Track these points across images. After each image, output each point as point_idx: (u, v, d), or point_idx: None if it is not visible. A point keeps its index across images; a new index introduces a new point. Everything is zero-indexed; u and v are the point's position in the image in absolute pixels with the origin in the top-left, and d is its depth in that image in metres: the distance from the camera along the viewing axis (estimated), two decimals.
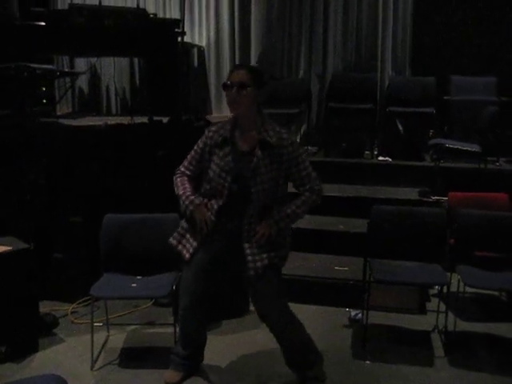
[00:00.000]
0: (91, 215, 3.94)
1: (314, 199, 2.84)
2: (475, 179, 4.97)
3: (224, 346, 3.51)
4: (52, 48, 5.45)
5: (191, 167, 2.94)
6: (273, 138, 2.74)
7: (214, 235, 2.85)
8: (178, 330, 3.18)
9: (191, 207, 2.84)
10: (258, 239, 2.77)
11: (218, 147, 2.81)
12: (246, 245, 2.80)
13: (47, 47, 5.17)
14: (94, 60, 6.72)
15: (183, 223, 2.97)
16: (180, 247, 2.94)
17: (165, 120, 4.95)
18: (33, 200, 4.13)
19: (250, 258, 2.78)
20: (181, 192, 2.89)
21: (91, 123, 4.76)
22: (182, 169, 2.96)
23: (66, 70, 6.59)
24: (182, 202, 2.88)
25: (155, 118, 4.90)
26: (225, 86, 2.73)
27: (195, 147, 2.93)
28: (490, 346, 3.58)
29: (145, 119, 4.88)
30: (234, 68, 2.90)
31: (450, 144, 5.08)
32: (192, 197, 2.86)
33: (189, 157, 2.95)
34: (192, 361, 3.15)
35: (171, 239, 2.98)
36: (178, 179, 2.95)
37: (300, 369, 3.03)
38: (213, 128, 2.87)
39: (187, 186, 2.91)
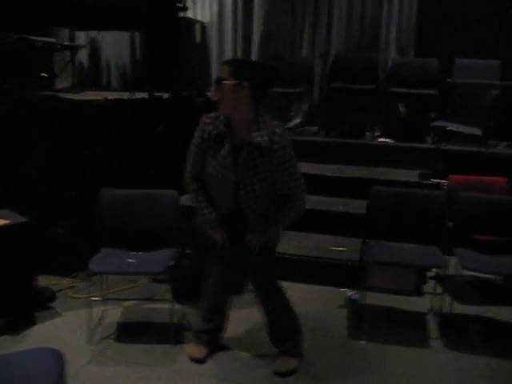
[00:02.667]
0: (90, 190, 3.92)
1: (292, 216, 2.78)
2: (476, 162, 4.95)
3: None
4: (52, 21, 5.38)
5: (197, 166, 2.82)
6: (264, 138, 2.60)
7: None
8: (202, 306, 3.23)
9: (207, 228, 2.91)
10: (250, 248, 2.84)
11: (214, 142, 2.69)
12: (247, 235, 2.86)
13: (47, 20, 5.10)
14: (94, 34, 6.65)
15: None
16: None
17: (165, 96, 4.91)
18: (32, 174, 4.11)
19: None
20: (197, 206, 2.90)
21: (91, 98, 4.72)
22: (190, 169, 2.85)
23: (66, 43, 6.52)
24: (199, 215, 2.91)
25: (156, 94, 4.86)
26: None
27: (194, 142, 2.78)
28: (485, 328, 3.61)
29: (145, 95, 4.84)
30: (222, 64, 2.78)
31: (452, 127, 5.05)
32: (209, 215, 2.86)
33: (192, 155, 2.81)
34: (217, 334, 3.23)
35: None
36: (191, 187, 2.88)
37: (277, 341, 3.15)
38: (207, 120, 2.73)
39: (201, 197, 2.87)
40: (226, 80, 2.59)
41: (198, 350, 3.17)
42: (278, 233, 2.91)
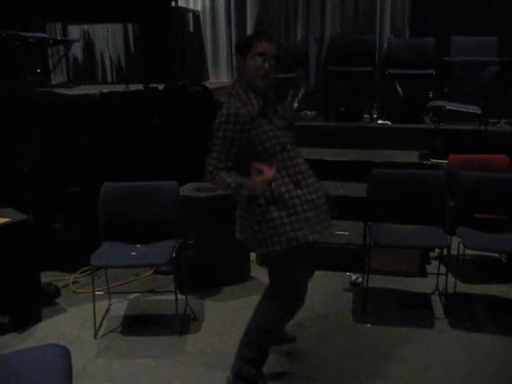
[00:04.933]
0: (89, 184, 3.92)
1: None
2: (475, 141, 4.93)
3: (227, 311, 3.54)
4: (44, 16, 5.34)
5: (234, 156, 2.48)
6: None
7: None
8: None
9: (242, 189, 2.42)
10: None
11: (261, 115, 2.49)
12: None
13: (38, 14, 5.06)
14: (86, 27, 6.62)
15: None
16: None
17: (161, 87, 4.89)
18: (31, 171, 4.10)
19: None
20: (228, 182, 2.44)
21: (86, 92, 4.69)
22: (224, 164, 2.46)
23: (59, 37, 6.49)
24: (233, 188, 2.44)
25: (151, 85, 4.83)
26: (261, 55, 2.47)
27: (228, 135, 2.44)
28: (490, 307, 3.60)
29: (140, 86, 4.82)
30: (263, 37, 2.53)
31: (450, 106, 5.02)
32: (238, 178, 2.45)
33: (227, 147, 2.46)
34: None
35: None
36: (223, 176, 2.46)
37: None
38: (238, 104, 2.47)
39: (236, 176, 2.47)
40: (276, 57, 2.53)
41: None
42: None
